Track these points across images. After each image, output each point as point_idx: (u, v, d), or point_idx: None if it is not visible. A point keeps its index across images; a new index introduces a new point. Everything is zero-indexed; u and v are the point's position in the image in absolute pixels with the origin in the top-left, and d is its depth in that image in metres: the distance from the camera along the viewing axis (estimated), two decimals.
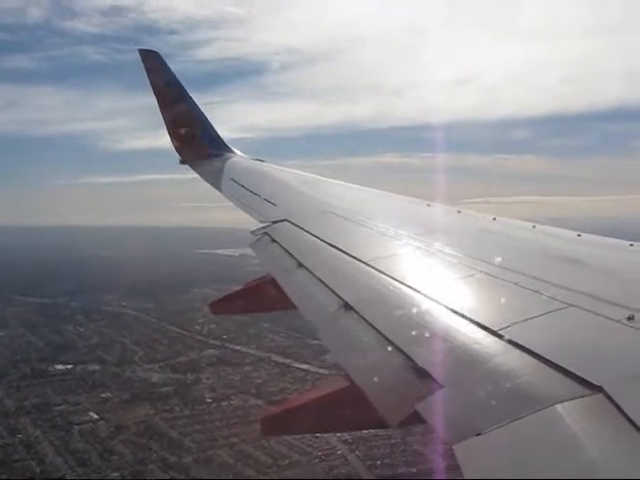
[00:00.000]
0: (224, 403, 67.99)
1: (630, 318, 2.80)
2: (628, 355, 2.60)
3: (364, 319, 3.64)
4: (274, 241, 6.15)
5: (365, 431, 51.38)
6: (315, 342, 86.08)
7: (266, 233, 6.50)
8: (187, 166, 11.15)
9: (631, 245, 4.41)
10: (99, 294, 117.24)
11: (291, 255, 5.51)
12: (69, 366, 78.05)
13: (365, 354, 3.40)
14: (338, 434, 59.38)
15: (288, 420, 3.72)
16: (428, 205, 6.71)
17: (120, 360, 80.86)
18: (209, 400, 68.76)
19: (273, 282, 5.36)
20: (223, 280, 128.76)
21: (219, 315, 7.06)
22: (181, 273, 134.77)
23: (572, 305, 3.10)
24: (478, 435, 2.26)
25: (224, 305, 6.83)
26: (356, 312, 3.78)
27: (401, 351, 3.12)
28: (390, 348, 3.21)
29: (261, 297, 6.02)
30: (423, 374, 2.84)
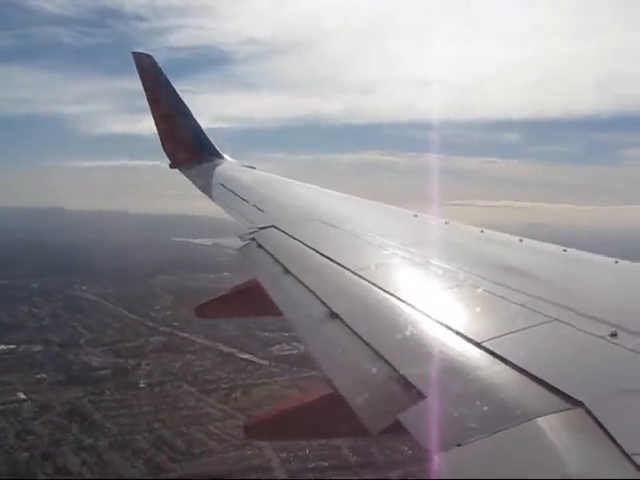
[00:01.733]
0: (157, 389, 68.05)
1: (613, 335, 2.85)
2: (609, 371, 2.65)
3: (350, 328, 3.65)
4: (261, 247, 6.19)
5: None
6: (265, 334, 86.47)
7: (253, 239, 6.53)
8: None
9: (616, 262, 4.47)
10: (63, 277, 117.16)
11: (278, 261, 5.53)
12: (12, 346, 78.04)
13: (349, 363, 3.41)
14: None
15: (271, 426, 3.81)
16: (415, 216, 6.75)
17: (65, 342, 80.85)
18: (142, 385, 68.78)
19: (259, 288, 5.35)
20: (190, 268, 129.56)
21: (203, 318, 7.04)
22: (150, 260, 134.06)
23: (556, 320, 3.15)
24: (459, 446, 2.27)
25: (209, 309, 6.86)
26: (342, 320, 3.78)
27: (385, 361, 3.14)
28: (374, 358, 3.23)
29: (247, 302, 6.08)
30: (406, 384, 2.87)
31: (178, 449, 54.96)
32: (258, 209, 7.79)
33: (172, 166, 11.25)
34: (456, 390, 2.73)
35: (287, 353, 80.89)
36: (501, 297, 3.64)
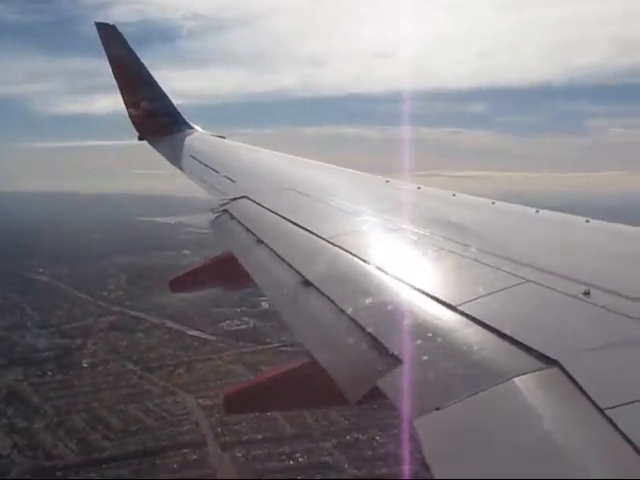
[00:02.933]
0: (100, 368, 67.82)
1: (586, 293, 2.86)
2: (584, 330, 2.66)
3: (324, 295, 3.64)
4: (233, 218, 6.14)
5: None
6: (217, 310, 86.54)
7: (225, 210, 6.45)
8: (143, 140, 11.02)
9: (587, 221, 4.42)
10: (20, 259, 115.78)
11: (251, 232, 5.50)
12: None
13: (325, 331, 3.45)
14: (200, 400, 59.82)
15: (249, 398, 3.79)
16: (387, 182, 6.69)
17: (12, 325, 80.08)
18: (85, 365, 68.53)
19: (233, 259, 5.34)
20: (150, 247, 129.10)
21: (177, 293, 7.35)
22: (111, 240, 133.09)
23: (529, 281, 3.15)
24: (437, 410, 2.29)
25: (183, 283, 6.83)
26: (316, 289, 3.76)
27: (361, 328, 3.12)
28: (350, 325, 3.20)
29: (221, 274, 6.08)
30: (383, 350, 2.86)
31: (113, 427, 54.97)
32: (229, 179, 7.71)
33: (140, 138, 11.04)
34: (433, 354, 2.72)
35: (236, 328, 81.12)
36: (474, 260, 3.64)
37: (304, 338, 3.53)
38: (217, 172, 8.22)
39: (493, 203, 5.26)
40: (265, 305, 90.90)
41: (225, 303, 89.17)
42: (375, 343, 2.96)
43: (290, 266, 4.31)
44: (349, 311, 3.34)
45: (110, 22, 10.86)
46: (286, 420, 55.64)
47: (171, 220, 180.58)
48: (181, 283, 6.89)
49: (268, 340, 76.40)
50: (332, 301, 3.54)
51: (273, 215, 5.74)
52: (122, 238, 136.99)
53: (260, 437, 53.06)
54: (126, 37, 10.82)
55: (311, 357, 3.28)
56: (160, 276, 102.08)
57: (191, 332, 79.46)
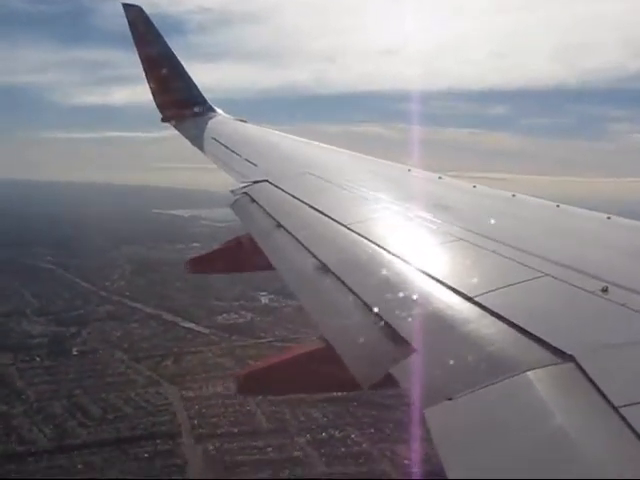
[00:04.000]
0: (89, 356, 67.93)
1: (604, 290, 2.85)
2: (601, 326, 2.66)
3: (341, 281, 3.65)
4: (254, 201, 6.18)
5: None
6: (215, 303, 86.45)
7: (246, 193, 6.51)
8: (163, 124, 11.25)
9: (608, 218, 4.42)
10: (30, 247, 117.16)
11: (271, 216, 5.54)
12: None
13: (341, 316, 3.45)
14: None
15: (262, 380, 3.79)
16: (409, 170, 6.71)
17: (11, 311, 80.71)
18: (75, 353, 68.67)
19: (252, 242, 5.40)
20: (160, 239, 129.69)
21: (196, 274, 7.41)
22: (123, 231, 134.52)
23: (548, 275, 3.15)
24: (449, 400, 2.28)
25: (202, 264, 6.89)
26: (334, 274, 3.78)
27: (377, 315, 3.14)
28: (366, 311, 3.24)
29: (239, 257, 6.14)
30: (398, 338, 2.87)
31: (91, 415, 54.75)
32: (251, 163, 7.74)
33: (164, 120, 11.16)
34: (447, 344, 2.73)
35: (232, 322, 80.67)
36: (493, 252, 3.60)
37: (319, 323, 3.55)
38: (239, 155, 8.25)
39: (513, 196, 5.19)
40: (264, 300, 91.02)
41: (225, 297, 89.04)
42: (390, 330, 2.95)
43: (308, 251, 4.30)
44: (365, 298, 3.34)
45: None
46: (264, 415, 55.15)
47: (185, 213, 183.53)
48: (199, 264, 6.88)
49: (262, 334, 75.88)
50: (348, 287, 3.53)
51: (293, 199, 5.74)
52: (134, 229, 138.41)
53: (236, 430, 52.48)
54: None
55: (326, 342, 3.26)
56: (165, 268, 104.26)
57: (186, 324, 79.27)
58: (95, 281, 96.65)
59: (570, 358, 2.27)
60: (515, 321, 2.64)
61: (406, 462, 36.88)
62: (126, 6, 10.70)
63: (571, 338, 2.47)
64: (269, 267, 4.81)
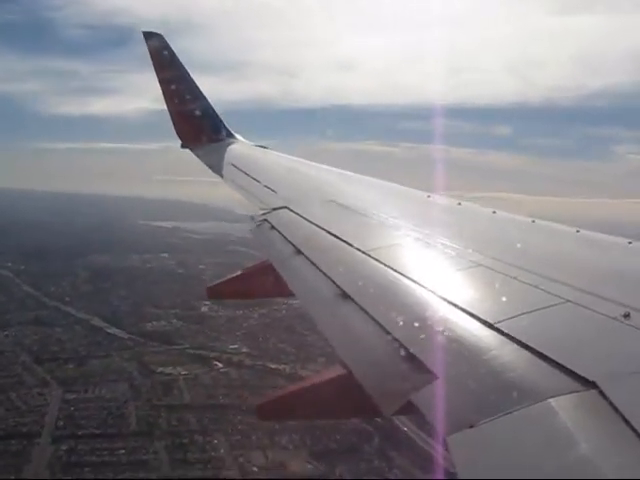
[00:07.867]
0: None
1: (626, 316, 2.82)
2: (623, 352, 2.62)
3: (362, 308, 3.64)
4: (273, 228, 6.20)
5: None
6: (152, 310, 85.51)
7: (266, 220, 6.53)
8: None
9: (630, 243, 4.37)
10: None
11: (290, 242, 5.54)
12: None
13: (362, 343, 3.44)
14: None
15: (284, 407, 3.81)
16: (429, 196, 6.70)
17: None
18: None
19: (271, 269, 5.39)
20: (130, 249, 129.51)
21: (215, 300, 7.13)
22: (98, 240, 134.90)
23: (569, 301, 3.13)
24: (471, 427, 2.27)
25: (220, 290, 6.91)
26: (354, 301, 3.77)
27: (398, 341, 3.12)
28: (387, 338, 3.21)
29: (258, 283, 6.14)
30: (419, 365, 2.84)
31: None
32: (270, 189, 7.71)
33: (183, 146, 11.19)
34: (469, 371, 2.69)
35: (157, 329, 79.67)
36: (514, 278, 3.60)
37: (339, 350, 3.48)
38: (258, 181, 8.21)
39: (533, 221, 5.15)
40: (204, 309, 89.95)
41: (163, 305, 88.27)
42: (411, 357, 2.92)
43: (328, 278, 4.26)
44: (385, 325, 3.31)
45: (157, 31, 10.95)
46: (138, 418, 53.92)
47: (170, 225, 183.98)
48: (218, 290, 6.85)
49: (180, 342, 75.00)
50: (368, 314, 3.49)
51: (313, 226, 5.72)
52: (109, 240, 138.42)
53: (98, 432, 51.33)
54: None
55: (346, 368, 3.20)
56: (118, 277, 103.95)
57: (111, 330, 78.45)
58: (42, 287, 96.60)
59: (593, 385, 2.24)
60: (537, 348, 2.61)
61: None
62: (147, 34, 10.74)
63: (593, 365, 2.43)
64: (288, 294, 4.82)
